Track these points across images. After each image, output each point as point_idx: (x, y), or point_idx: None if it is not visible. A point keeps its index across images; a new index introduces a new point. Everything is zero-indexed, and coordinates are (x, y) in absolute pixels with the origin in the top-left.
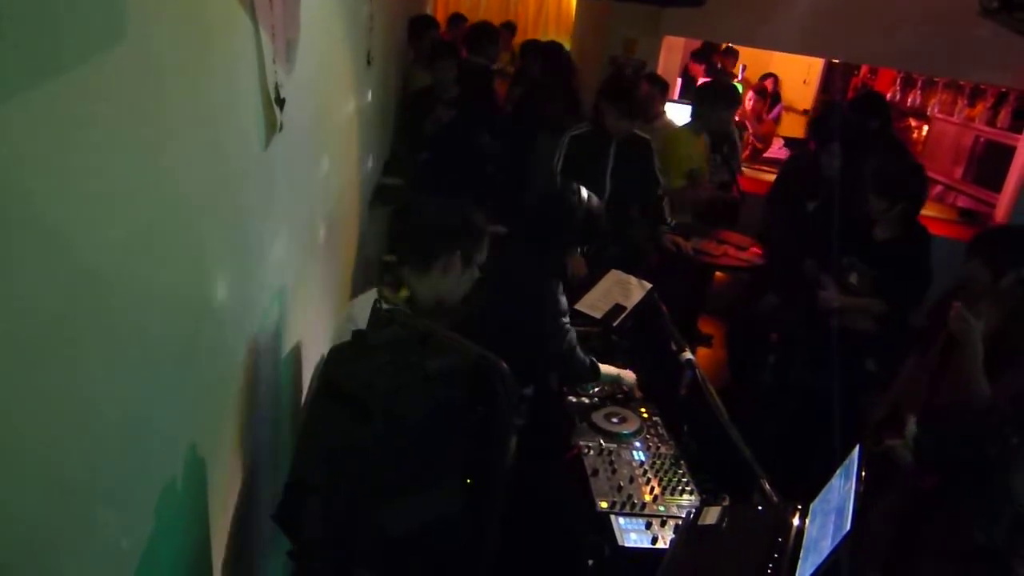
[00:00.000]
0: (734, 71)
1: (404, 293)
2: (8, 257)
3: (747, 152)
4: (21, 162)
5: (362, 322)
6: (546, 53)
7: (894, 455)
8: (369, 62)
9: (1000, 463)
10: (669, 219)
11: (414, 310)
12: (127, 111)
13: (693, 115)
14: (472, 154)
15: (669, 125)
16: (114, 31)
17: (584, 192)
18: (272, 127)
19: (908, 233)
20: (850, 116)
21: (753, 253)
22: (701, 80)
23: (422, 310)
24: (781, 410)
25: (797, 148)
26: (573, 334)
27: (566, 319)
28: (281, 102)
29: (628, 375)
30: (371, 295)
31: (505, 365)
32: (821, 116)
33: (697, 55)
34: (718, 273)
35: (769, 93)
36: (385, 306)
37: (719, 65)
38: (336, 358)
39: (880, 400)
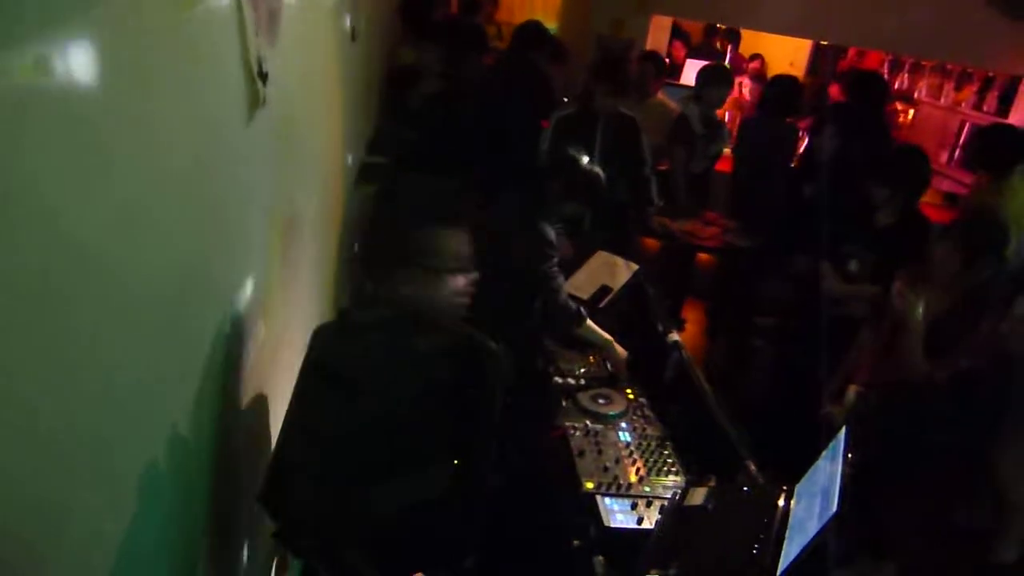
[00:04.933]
0: (726, 52)
1: None
2: None
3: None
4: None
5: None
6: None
7: (834, 422)
8: (354, 38)
9: (979, 445)
10: (656, 199)
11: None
12: (103, 83)
13: (694, 95)
14: (458, 131)
15: (662, 102)
16: None
17: (586, 157)
18: (255, 102)
19: (909, 219)
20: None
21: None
22: (688, 60)
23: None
24: (774, 393)
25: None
26: (561, 278)
27: (555, 257)
28: (264, 76)
29: (621, 350)
30: None
31: (495, 344)
32: (773, 83)
33: (677, 33)
34: (701, 255)
35: (758, 73)
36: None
37: (717, 45)
38: (324, 338)
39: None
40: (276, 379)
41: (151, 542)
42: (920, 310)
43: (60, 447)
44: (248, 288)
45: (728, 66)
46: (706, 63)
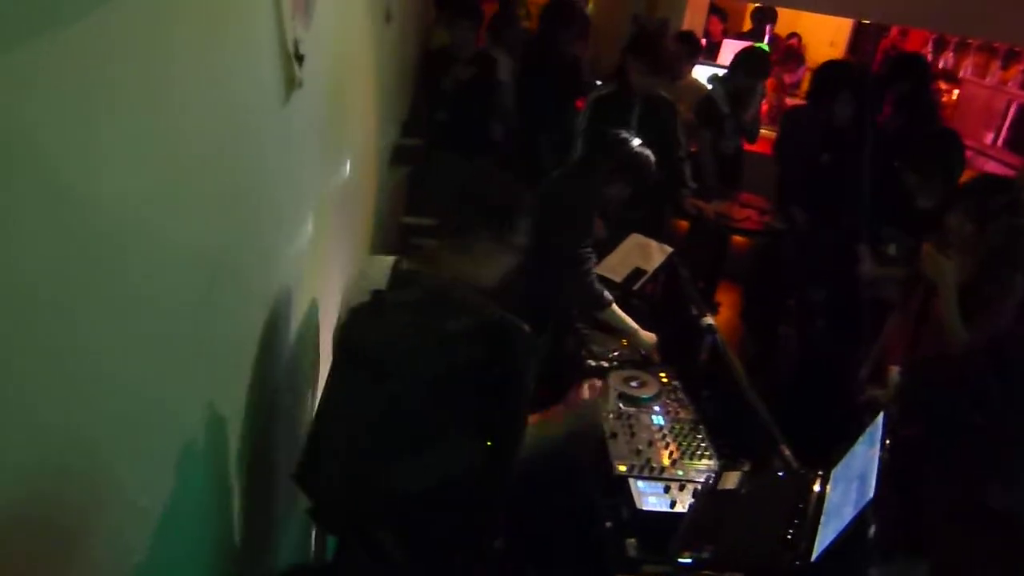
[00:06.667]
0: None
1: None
2: (18, 212)
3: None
4: (30, 116)
5: (377, 283)
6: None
7: (879, 405)
8: (388, 19)
9: (1011, 425)
10: (690, 182)
11: None
12: (140, 64)
13: (725, 78)
14: (491, 113)
15: (695, 83)
16: None
17: (638, 140)
18: (291, 83)
19: (949, 203)
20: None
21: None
22: (726, 40)
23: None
24: (803, 376)
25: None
26: (592, 261)
27: (590, 238)
28: (300, 58)
29: (648, 336)
30: (387, 260)
31: (525, 325)
32: (822, 69)
33: (714, 9)
34: (736, 237)
35: (795, 52)
36: (407, 266)
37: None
38: (354, 319)
39: (867, 357)
40: (313, 356)
41: (187, 517)
42: (951, 274)
43: (94, 424)
44: (282, 266)
45: (767, 48)
46: (744, 45)
